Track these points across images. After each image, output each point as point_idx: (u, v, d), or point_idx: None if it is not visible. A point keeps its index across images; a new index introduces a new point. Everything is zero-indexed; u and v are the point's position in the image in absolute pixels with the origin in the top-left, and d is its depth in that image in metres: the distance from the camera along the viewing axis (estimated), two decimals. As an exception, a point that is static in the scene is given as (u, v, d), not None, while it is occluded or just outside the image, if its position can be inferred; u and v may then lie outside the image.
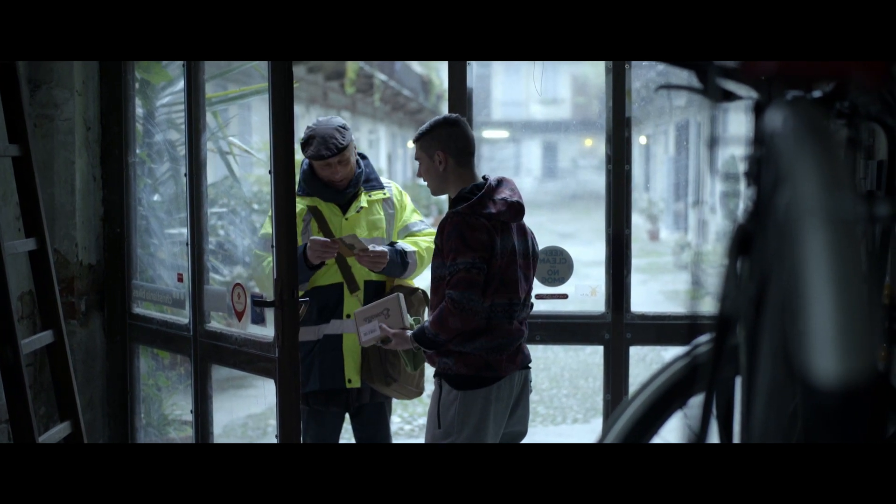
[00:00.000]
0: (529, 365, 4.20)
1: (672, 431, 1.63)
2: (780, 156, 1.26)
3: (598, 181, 5.03)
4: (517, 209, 4.04)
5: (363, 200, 4.66)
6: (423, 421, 8.60)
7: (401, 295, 4.33)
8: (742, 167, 1.47)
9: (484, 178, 4.10)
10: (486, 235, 3.92)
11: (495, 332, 4.00)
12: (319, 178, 4.59)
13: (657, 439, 1.68)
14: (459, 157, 4.08)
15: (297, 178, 4.59)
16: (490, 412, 4.01)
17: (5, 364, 4.12)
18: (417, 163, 4.19)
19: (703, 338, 1.57)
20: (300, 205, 4.55)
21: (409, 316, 4.29)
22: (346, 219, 4.62)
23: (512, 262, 4.01)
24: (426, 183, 4.20)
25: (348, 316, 4.56)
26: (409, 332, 4.13)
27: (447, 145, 4.07)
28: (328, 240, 4.45)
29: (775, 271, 1.29)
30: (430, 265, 4.72)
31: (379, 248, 4.48)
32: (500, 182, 4.08)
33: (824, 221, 1.14)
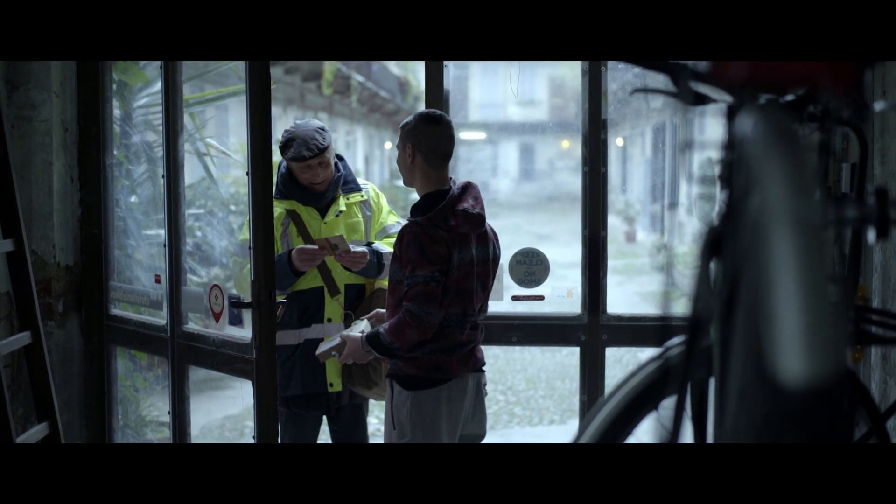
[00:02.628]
0: (483, 368, 4.20)
1: (645, 433, 1.65)
2: (749, 160, 1.27)
3: (574, 183, 5.03)
4: (477, 221, 4.00)
5: (342, 204, 4.67)
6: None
7: (368, 323, 4.32)
8: (715, 170, 1.49)
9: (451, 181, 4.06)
10: (445, 248, 3.90)
11: (443, 341, 4.00)
12: (299, 181, 4.60)
13: (631, 440, 1.69)
14: (428, 156, 4.02)
15: (275, 180, 4.59)
16: (442, 412, 4.01)
17: (-18, 366, 4.12)
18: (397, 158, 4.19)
19: (676, 339, 1.59)
20: (278, 208, 4.55)
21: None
22: (325, 222, 4.62)
23: (469, 274, 3.99)
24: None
25: (329, 319, 4.57)
26: (362, 335, 4.11)
27: (418, 141, 4.01)
28: (317, 248, 4.46)
29: (746, 274, 1.30)
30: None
31: (359, 249, 4.51)
32: (465, 189, 4.04)
33: (791, 226, 1.15)
